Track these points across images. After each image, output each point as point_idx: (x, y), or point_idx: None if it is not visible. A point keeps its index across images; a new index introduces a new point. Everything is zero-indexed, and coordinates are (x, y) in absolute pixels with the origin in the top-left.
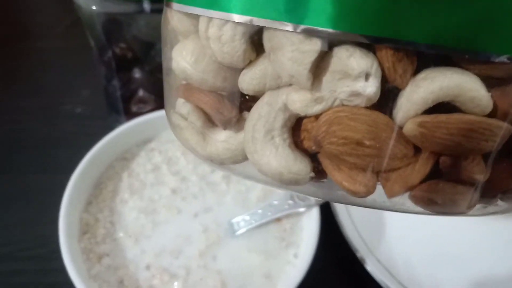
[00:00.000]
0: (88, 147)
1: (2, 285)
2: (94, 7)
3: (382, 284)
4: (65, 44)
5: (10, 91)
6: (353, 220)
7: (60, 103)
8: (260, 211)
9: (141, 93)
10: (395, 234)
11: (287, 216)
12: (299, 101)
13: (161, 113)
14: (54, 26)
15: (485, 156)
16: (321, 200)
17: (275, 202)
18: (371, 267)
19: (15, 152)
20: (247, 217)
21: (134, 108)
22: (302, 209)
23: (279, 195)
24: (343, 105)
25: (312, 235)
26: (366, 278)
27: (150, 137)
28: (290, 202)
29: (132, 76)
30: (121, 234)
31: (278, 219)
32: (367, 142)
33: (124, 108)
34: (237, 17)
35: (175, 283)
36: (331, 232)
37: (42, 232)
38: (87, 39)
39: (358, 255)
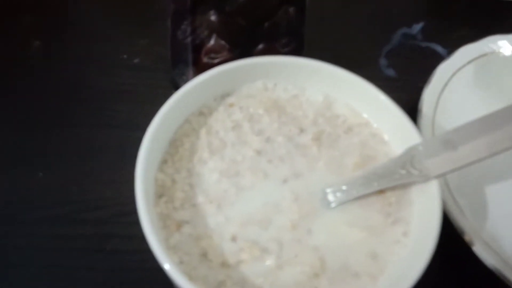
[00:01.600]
0: (151, 101)
1: (58, 250)
2: None
3: (491, 267)
4: None
5: (60, 38)
6: (456, 200)
7: (115, 52)
8: (363, 180)
9: (213, 40)
10: (501, 214)
11: (392, 188)
12: None
13: (241, 63)
14: None
15: None
16: (439, 172)
17: (382, 171)
18: (479, 250)
19: (71, 103)
20: (345, 187)
21: (204, 59)
22: (419, 180)
23: (385, 163)
24: None
25: (431, 212)
26: (474, 262)
27: (228, 90)
28: (403, 171)
29: (207, 19)
30: (201, 199)
31: (381, 191)
32: None
33: (193, 58)
34: None
35: (268, 259)
36: None
37: (101, 193)
38: None
39: (466, 237)
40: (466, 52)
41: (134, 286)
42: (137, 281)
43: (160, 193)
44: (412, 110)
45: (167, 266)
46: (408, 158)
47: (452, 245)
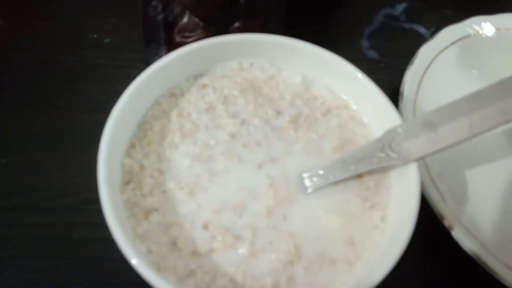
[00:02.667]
0: (121, 83)
1: (24, 239)
2: None
3: (470, 252)
4: None
5: (23, 14)
6: (436, 185)
7: (84, 30)
8: (340, 164)
9: (186, 18)
10: (481, 199)
11: (370, 172)
12: None
13: (215, 40)
14: None
15: None
16: (419, 155)
17: (360, 154)
18: (458, 234)
19: (36, 84)
20: (322, 171)
21: (177, 38)
22: (398, 163)
23: (364, 146)
24: None
25: (409, 196)
26: (453, 247)
27: (201, 70)
28: (382, 155)
29: None
30: (171, 185)
31: (359, 175)
32: None
33: (165, 37)
34: None
35: (241, 247)
36: None
37: (69, 180)
38: None
39: (445, 222)
40: (449, 33)
41: (103, 276)
42: (106, 271)
43: (127, 180)
44: (394, 92)
45: (131, 257)
46: (387, 141)
47: (432, 230)
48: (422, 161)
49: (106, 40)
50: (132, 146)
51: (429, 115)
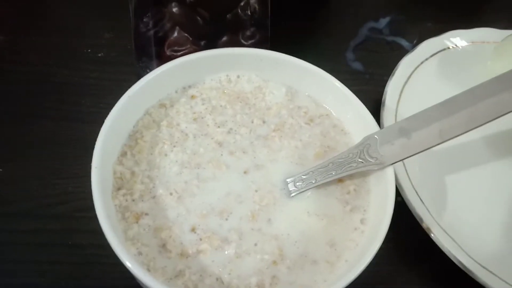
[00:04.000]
0: (114, 95)
1: (22, 245)
2: None
3: (448, 254)
4: None
5: (19, 28)
6: (416, 191)
7: (78, 45)
8: (321, 169)
9: (176, 33)
10: (460, 203)
11: (350, 177)
12: None
13: (203, 54)
14: None
15: None
16: (394, 159)
17: (340, 160)
18: (437, 237)
19: (32, 95)
20: (304, 176)
21: (167, 52)
22: (375, 168)
23: (343, 153)
24: None
25: (386, 198)
26: (431, 249)
27: (190, 82)
28: (360, 160)
29: (169, 11)
30: (161, 191)
31: (340, 180)
32: None
33: (156, 51)
34: None
35: (227, 249)
36: None
37: (64, 188)
38: None
39: (424, 225)
40: (428, 46)
41: (98, 280)
42: (100, 275)
43: (119, 186)
44: (378, 102)
45: (123, 258)
46: (365, 147)
47: (412, 233)
48: (402, 167)
49: (100, 54)
50: (123, 154)
51: (404, 122)
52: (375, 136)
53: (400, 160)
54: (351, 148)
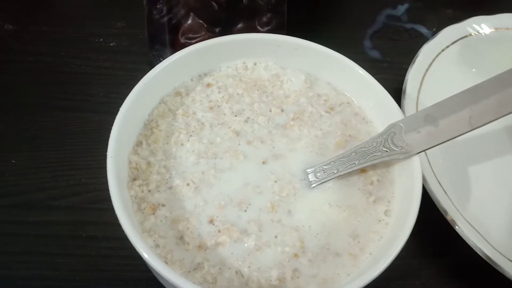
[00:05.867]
0: (126, 85)
1: (33, 236)
2: None
3: (473, 247)
4: None
5: (30, 17)
6: (439, 181)
7: (90, 34)
8: (343, 159)
9: (191, 20)
10: (484, 195)
11: (373, 167)
12: None
13: (219, 40)
14: None
15: None
16: (421, 148)
17: (363, 149)
18: (461, 229)
19: (44, 86)
20: (326, 166)
21: (182, 39)
22: (400, 157)
23: (367, 141)
24: None
25: (412, 189)
26: (454, 241)
27: (206, 70)
28: (384, 149)
29: None
30: (177, 182)
31: (363, 170)
32: None
33: (170, 39)
34: None
35: (247, 241)
36: None
37: (77, 179)
38: None
39: (448, 217)
40: (450, 32)
41: (111, 273)
42: (114, 268)
43: (135, 176)
44: (397, 91)
45: (141, 250)
46: (389, 136)
47: (435, 225)
48: (425, 158)
49: (112, 44)
50: (139, 143)
51: (430, 109)
52: (400, 124)
53: (427, 149)
54: (375, 137)
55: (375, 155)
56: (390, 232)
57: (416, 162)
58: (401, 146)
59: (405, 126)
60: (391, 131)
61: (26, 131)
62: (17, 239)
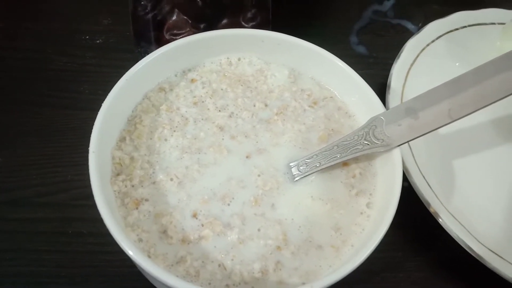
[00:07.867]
0: (113, 82)
1: (20, 233)
2: None
3: (457, 239)
4: None
5: (16, 14)
6: (423, 175)
7: (76, 31)
8: (325, 152)
9: (175, 16)
10: (468, 188)
11: (356, 160)
12: None
13: (203, 35)
14: None
15: None
16: (401, 141)
17: (345, 143)
18: (444, 221)
19: (30, 83)
20: (308, 160)
21: (167, 36)
22: (381, 150)
23: (348, 135)
24: None
25: (393, 181)
26: (439, 234)
27: (190, 65)
28: (365, 142)
29: None
30: (161, 177)
31: (345, 163)
32: None
33: (155, 35)
34: None
35: (230, 234)
36: None
37: (64, 176)
38: None
39: (431, 209)
40: (434, 27)
41: (98, 268)
42: (100, 263)
43: (118, 171)
44: (382, 86)
45: (122, 243)
46: (371, 129)
47: (420, 219)
48: (409, 151)
49: (98, 41)
50: (122, 139)
51: (411, 102)
52: (381, 117)
53: (407, 141)
54: (356, 130)
55: (356, 148)
56: (372, 225)
57: (396, 155)
58: (382, 139)
59: (386, 119)
60: (372, 124)
61: (12, 128)
62: (3, 236)
